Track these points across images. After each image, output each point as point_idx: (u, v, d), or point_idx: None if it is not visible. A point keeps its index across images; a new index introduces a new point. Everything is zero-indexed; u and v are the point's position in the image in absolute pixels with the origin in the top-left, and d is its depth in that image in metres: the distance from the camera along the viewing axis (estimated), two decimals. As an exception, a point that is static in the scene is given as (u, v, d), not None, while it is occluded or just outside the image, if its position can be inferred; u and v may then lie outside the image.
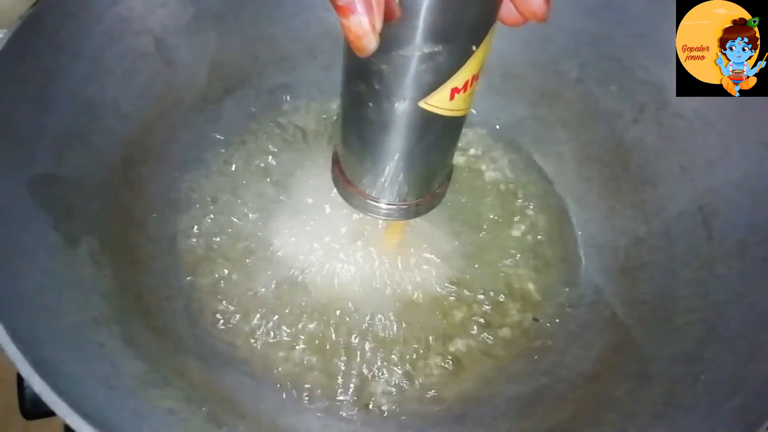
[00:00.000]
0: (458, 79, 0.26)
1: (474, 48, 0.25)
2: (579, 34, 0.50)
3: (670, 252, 0.43)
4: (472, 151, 0.52)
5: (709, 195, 0.42)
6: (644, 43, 0.47)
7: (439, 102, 0.27)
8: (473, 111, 0.54)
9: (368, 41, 0.23)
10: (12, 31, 0.35)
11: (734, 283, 0.38)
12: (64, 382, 0.25)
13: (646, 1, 0.46)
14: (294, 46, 0.53)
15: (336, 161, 0.36)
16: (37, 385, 0.24)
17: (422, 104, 0.27)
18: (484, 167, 0.51)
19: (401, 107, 0.27)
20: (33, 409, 0.39)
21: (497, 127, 0.53)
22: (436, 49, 0.25)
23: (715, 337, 0.36)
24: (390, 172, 0.32)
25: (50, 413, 0.38)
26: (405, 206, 0.35)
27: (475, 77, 0.27)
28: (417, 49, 0.25)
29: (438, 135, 0.30)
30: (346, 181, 0.35)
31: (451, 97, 0.27)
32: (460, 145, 0.52)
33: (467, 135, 0.53)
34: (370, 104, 0.28)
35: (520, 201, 0.50)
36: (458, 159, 0.52)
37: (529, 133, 0.53)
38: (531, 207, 0.49)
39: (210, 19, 0.48)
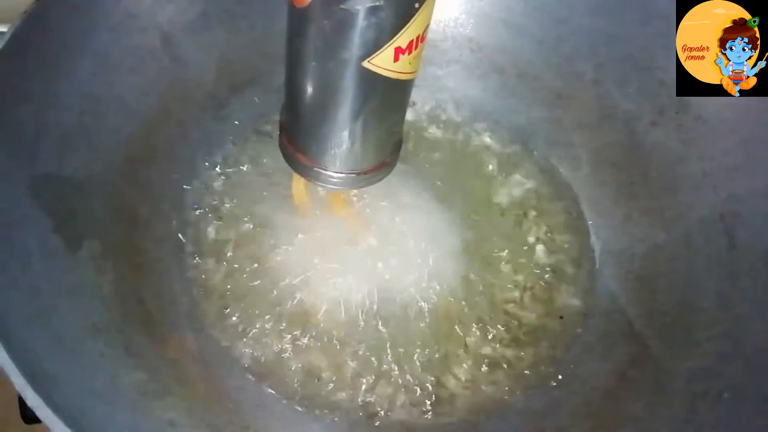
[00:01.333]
0: (402, 39, 0.26)
1: (417, 5, 0.25)
2: (595, 34, 0.49)
3: (690, 261, 0.42)
4: (485, 155, 0.51)
5: (732, 202, 0.41)
6: (664, 43, 0.45)
7: (383, 62, 0.27)
8: (483, 106, 0.53)
9: None
10: (15, 26, 0.34)
11: (759, 295, 0.37)
12: (60, 395, 0.24)
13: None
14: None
15: (282, 128, 0.35)
16: (31, 399, 0.23)
17: (366, 64, 0.27)
18: (497, 168, 0.50)
19: (345, 67, 0.27)
20: (33, 413, 0.38)
21: (511, 128, 0.52)
22: (378, 3, 0.24)
23: (739, 353, 0.35)
24: (335, 138, 0.31)
25: None
26: (353, 175, 0.34)
27: (420, 38, 0.27)
28: (359, 2, 0.24)
29: (383, 98, 0.30)
30: (293, 148, 0.34)
31: (396, 58, 0.27)
32: (475, 144, 0.51)
33: (480, 137, 0.52)
34: (313, 63, 0.28)
35: (534, 204, 0.48)
36: (470, 160, 0.50)
37: (543, 135, 0.51)
38: (545, 211, 0.48)
39: (218, 16, 0.47)
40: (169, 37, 0.45)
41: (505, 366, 0.41)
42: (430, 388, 0.39)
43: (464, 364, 0.40)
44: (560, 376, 0.40)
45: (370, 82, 0.28)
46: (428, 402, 0.39)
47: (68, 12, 0.38)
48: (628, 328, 0.41)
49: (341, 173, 0.34)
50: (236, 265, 0.42)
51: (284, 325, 0.40)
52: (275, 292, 0.41)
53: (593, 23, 0.48)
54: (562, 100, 0.51)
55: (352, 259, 0.43)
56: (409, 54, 0.27)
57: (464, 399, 0.39)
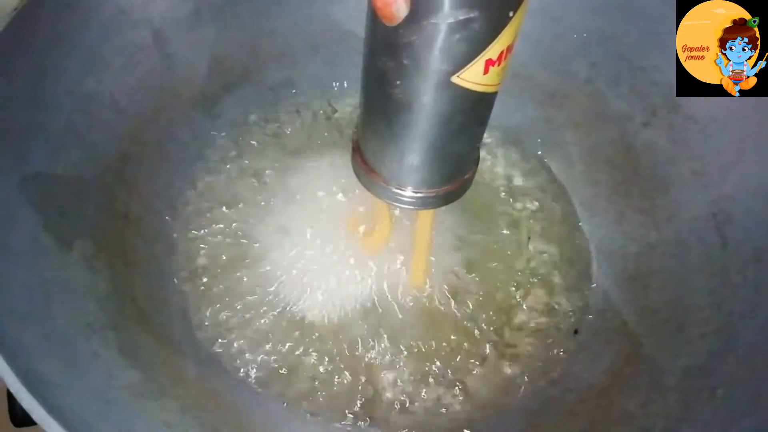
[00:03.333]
0: (493, 50, 0.24)
1: (511, 14, 0.24)
2: (589, 33, 0.49)
3: (683, 259, 0.42)
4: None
5: (723, 201, 0.41)
6: (657, 43, 0.45)
7: (473, 76, 0.25)
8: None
9: (398, 7, 0.21)
10: (6, 24, 0.33)
11: (750, 293, 0.37)
12: (55, 396, 0.24)
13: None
14: (295, 41, 0.51)
15: (356, 148, 0.34)
16: (26, 400, 0.22)
17: (455, 79, 0.25)
18: (491, 169, 0.50)
19: (432, 84, 0.26)
20: (24, 416, 0.38)
21: (505, 127, 0.52)
22: (471, 15, 0.23)
23: (732, 349, 0.35)
24: (418, 156, 0.30)
25: None
26: (433, 194, 0.33)
27: (509, 48, 0.25)
28: (450, 15, 0.23)
29: (469, 114, 0.28)
30: (369, 169, 0.33)
31: (486, 71, 0.25)
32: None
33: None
34: (398, 82, 0.26)
35: (527, 203, 0.48)
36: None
37: (537, 134, 0.51)
38: (539, 210, 0.48)
39: (209, 12, 0.47)
40: (161, 33, 0.44)
41: (500, 365, 0.41)
42: (428, 388, 0.39)
43: (460, 364, 0.40)
44: (555, 375, 0.41)
45: (458, 97, 0.26)
46: (425, 402, 0.39)
47: (60, 8, 0.37)
48: (621, 327, 0.42)
49: (420, 193, 0.32)
50: (230, 266, 0.42)
51: (279, 325, 0.40)
52: (269, 293, 0.41)
53: (587, 23, 0.48)
54: (555, 100, 0.51)
55: (349, 259, 0.42)
56: (498, 65, 0.25)
57: (462, 399, 0.39)
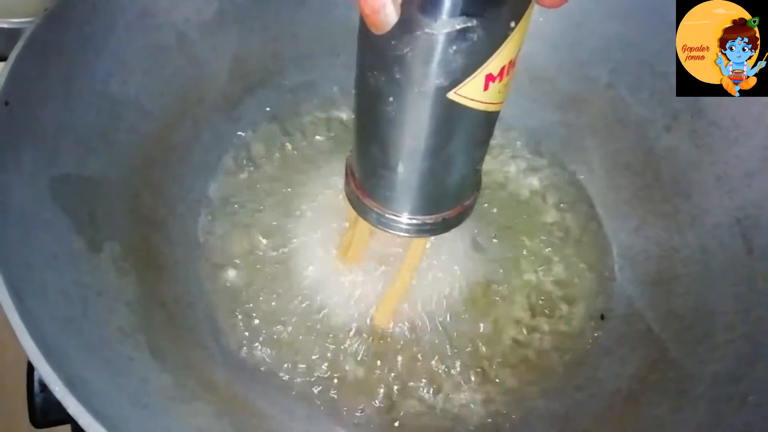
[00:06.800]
0: (494, 64, 0.23)
1: (513, 24, 0.22)
2: (610, 39, 0.49)
3: (707, 265, 0.42)
4: (500, 157, 0.51)
5: (748, 207, 0.41)
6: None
7: (472, 92, 0.24)
8: (500, 115, 0.53)
9: (386, 14, 0.20)
10: (36, 24, 0.33)
11: (778, 299, 0.37)
12: (98, 401, 0.24)
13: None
14: (316, 45, 0.51)
15: (350, 173, 0.32)
16: (73, 406, 0.22)
17: (452, 95, 0.23)
18: (511, 172, 0.50)
19: (427, 101, 0.24)
20: (43, 417, 0.37)
21: (525, 132, 0.52)
22: (469, 24, 0.21)
23: (762, 356, 0.35)
24: (414, 181, 0.28)
25: (59, 422, 0.37)
26: (431, 221, 0.31)
27: (511, 63, 0.24)
28: (447, 24, 0.21)
29: (469, 134, 0.27)
30: (363, 193, 0.31)
31: (486, 87, 0.23)
32: (489, 148, 0.51)
33: (495, 139, 0.52)
34: (390, 99, 0.24)
35: (549, 209, 0.48)
36: (485, 164, 0.50)
37: (557, 139, 0.51)
38: (561, 215, 0.48)
39: (232, 15, 0.47)
40: (185, 36, 0.44)
41: (525, 370, 0.41)
42: (452, 392, 0.39)
43: (485, 369, 0.40)
44: (580, 380, 0.40)
45: (456, 115, 0.25)
46: (449, 406, 0.39)
47: (86, 10, 0.37)
48: (646, 332, 0.42)
49: (417, 219, 0.31)
50: (253, 269, 0.42)
51: (308, 331, 0.40)
52: (297, 297, 0.41)
53: (608, 28, 0.48)
54: (575, 105, 0.51)
55: (375, 267, 0.42)
56: (500, 81, 0.24)
57: (486, 404, 0.39)
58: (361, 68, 0.26)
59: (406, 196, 0.30)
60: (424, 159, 0.27)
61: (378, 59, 0.24)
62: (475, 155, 0.30)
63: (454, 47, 0.22)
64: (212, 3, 0.45)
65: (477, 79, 0.23)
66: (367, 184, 0.31)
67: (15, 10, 0.44)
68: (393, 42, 0.22)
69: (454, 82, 0.23)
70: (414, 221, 0.31)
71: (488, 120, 0.27)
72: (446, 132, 0.26)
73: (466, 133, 0.27)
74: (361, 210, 0.32)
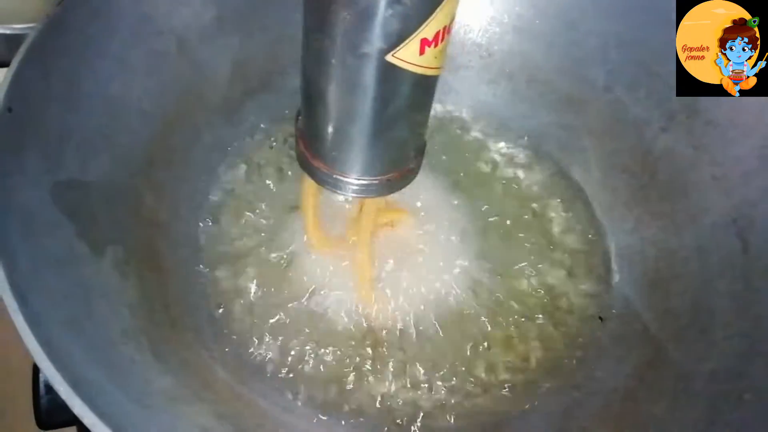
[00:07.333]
0: (429, 30, 0.25)
1: None
2: (607, 39, 0.49)
3: (704, 264, 0.42)
4: (497, 158, 0.51)
5: (745, 207, 0.42)
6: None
7: (409, 56, 0.25)
8: (493, 111, 0.53)
9: None
10: (38, 30, 0.34)
11: (775, 297, 0.37)
12: (102, 401, 0.24)
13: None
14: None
15: (300, 135, 0.34)
16: (78, 407, 0.23)
17: (390, 58, 0.25)
18: (509, 174, 0.50)
19: (368, 63, 0.26)
20: (48, 419, 0.38)
21: (522, 133, 0.52)
22: None
23: (758, 353, 0.35)
24: (357, 141, 0.30)
25: (65, 423, 0.38)
26: (376, 181, 0.32)
27: (446, 29, 0.26)
28: None
29: (409, 96, 0.28)
30: (311, 155, 0.33)
31: (422, 51, 0.25)
32: (487, 149, 0.52)
33: (491, 142, 0.52)
34: (333, 61, 0.26)
35: (546, 208, 0.49)
36: (482, 166, 0.51)
37: (554, 140, 0.52)
38: (557, 215, 0.48)
39: (232, 19, 0.47)
40: (185, 41, 0.45)
41: (523, 369, 0.41)
42: (452, 391, 0.40)
43: (484, 368, 0.41)
44: (579, 379, 0.41)
45: (395, 78, 0.26)
46: (450, 405, 0.39)
47: (88, 15, 0.38)
48: (643, 331, 0.42)
49: (363, 180, 0.32)
50: (255, 271, 0.42)
51: (310, 331, 0.40)
52: (300, 297, 0.41)
53: (605, 28, 0.48)
54: (572, 105, 0.51)
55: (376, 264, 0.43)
56: (435, 47, 0.26)
57: (485, 402, 0.39)
58: (305, 32, 0.27)
59: (350, 156, 0.31)
60: (367, 120, 0.29)
61: (320, 23, 0.26)
62: (416, 118, 0.31)
63: (390, 11, 0.24)
64: (211, 8, 0.45)
65: (413, 43, 0.25)
66: (315, 146, 0.32)
67: (16, 17, 0.44)
68: (333, 6, 0.24)
69: (392, 46, 0.25)
70: (361, 182, 0.32)
71: (426, 84, 0.29)
72: (386, 94, 0.27)
73: (404, 96, 0.28)
74: (310, 171, 0.33)
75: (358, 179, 0.32)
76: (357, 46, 0.25)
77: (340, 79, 0.27)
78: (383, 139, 0.30)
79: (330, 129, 0.30)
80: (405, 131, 0.31)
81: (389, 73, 0.26)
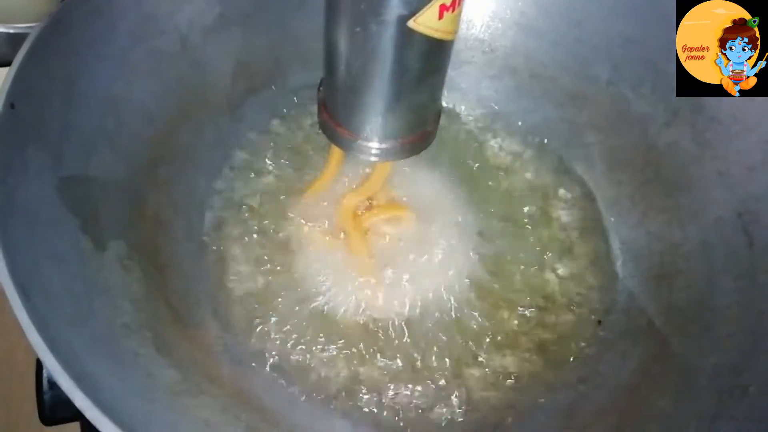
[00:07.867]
0: None
1: None
2: (611, 36, 0.49)
3: (708, 259, 0.42)
4: (501, 153, 0.51)
5: (750, 201, 0.41)
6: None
7: (428, 20, 0.27)
8: (496, 107, 0.53)
9: None
10: (41, 28, 0.34)
11: (779, 292, 0.37)
12: (105, 396, 0.24)
13: (683, 1, 0.45)
14: (318, 46, 0.51)
15: (322, 104, 0.35)
16: (80, 400, 0.23)
17: (411, 24, 0.27)
18: (513, 169, 0.50)
19: (389, 29, 0.27)
20: (51, 415, 0.38)
21: (526, 129, 0.52)
22: None
23: (762, 348, 0.35)
24: (379, 106, 0.31)
25: (68, 419, 0.38)
26: (398, 144, 0.34)
27: None
28: None
29: (427, 61, 0.30)
30: (335, 123, 0.34)
31: (440, 16, 0.27)
32: (490, 145, 0.52)
33: (494, 138, 0.52)
34: (357, 29, 0.28)
35: (550, 204, 0.49)
36: (485, 161, 0.51)
37: (558, 135, 0.52)
38: (562, 210, 0.48)
39: (235, 18, 0.47)
40: (188, 39, 0.45)
41: (528, 365, 0.41)
42: (455, 388, 0.39)
43: (488, 365, 0.40)
44: (584, 374, 0.41)
45: (415, 43, 0.28)
46: (453, 402, 0.39)
47: (90, 15, 0.38)
48: (648, 326, 0.42)
49: (385, 144, 0.34)
50: (258, 267, 0.42)
51: (313, 326, 0.40)
52: (301, 292, 0.41)
53: (609, 25, 0.48)
54: (576, 101, 0.51)
55: (376, 265, 0.43)
56: (452, 11, 0.27)
57: (490, 399, 0.39)
58: (328, 4, 0.29)
59: (373, 122, 0.32)
60: (388, 85, 0.30)
61: None
62: (434, 82, 0.33)
63: None
64: (214, 7, 0.46)
65: (432, 8, 0.26)
66: (339, 113, 0.34)
67: (19, 16, 0.45)
68: None
69: (413, 12, 0.26)
70: (383, 146, 0.34)
71: (443, 48, 0.30)
72: (407, 59, 0.29)
73: (424, 61, 0.30)
74: (333, 138, 0.35)
75: (381, 143, 0.34)
76: (379, 13, 0.27)
77: (363, 46, 0.28)
78: (403, 103, 0.32)
79: (352, 95, 0.32)
80: (424, 95, 0.33)
81: (410, 38, 0.27)
